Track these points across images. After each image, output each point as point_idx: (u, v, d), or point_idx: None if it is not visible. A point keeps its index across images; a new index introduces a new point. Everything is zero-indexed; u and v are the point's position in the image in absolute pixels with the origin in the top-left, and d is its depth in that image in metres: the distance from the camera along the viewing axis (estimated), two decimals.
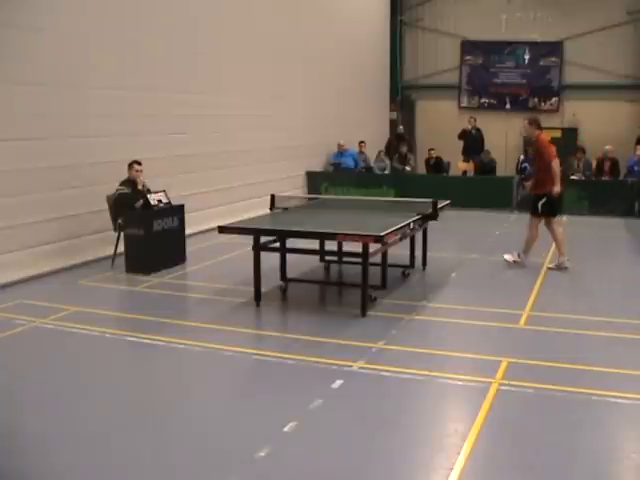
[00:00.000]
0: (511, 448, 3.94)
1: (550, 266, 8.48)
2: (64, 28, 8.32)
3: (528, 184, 8.69)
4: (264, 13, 12.83)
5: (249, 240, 6.96)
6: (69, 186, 8.50)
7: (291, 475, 3.65)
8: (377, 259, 6.86)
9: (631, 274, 8.36)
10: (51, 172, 8.22)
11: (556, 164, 8.29)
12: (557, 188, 8.26)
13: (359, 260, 6.49)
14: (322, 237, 7.23)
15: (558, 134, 18.66)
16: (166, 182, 9.28)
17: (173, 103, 10.29)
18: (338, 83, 16.25)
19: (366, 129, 17.64)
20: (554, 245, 8.74)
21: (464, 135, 16.29)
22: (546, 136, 8.78)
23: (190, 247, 9.14)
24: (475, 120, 16.55)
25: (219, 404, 4.62)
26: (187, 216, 9.00)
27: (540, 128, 8.62)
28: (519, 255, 8.59)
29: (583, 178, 14.00)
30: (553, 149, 8.45)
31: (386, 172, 15.93)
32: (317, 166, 15.72)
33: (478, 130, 16.34)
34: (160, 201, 8.51)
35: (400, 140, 17.01)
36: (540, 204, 8.41)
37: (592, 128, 18.23)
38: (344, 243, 7.52)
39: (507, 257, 8.63)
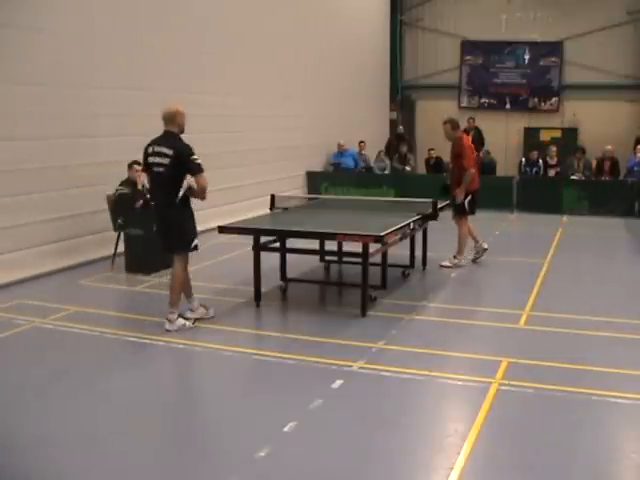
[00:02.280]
0: (511, 448, 3.94)
1: (443, 264, 8.45)
2: (64, 28, 8.32)
3: (459, 190, 8.42)
4: (266, 13, 12.82)
5: (249, 240, 6.96)
6: (69, 186, 8.50)
7: (291, 475, 3.65)
8: (377, 259, 6.86)
9: (631, 274, 8.36)
10: (51, 172, 8.22)
11: (472, 172, 8.40)
12: (462, 196, 8.39)
13: (359, 260, 6.49)
14: (322, 237, 7.23)
15: (558, 134, 18.70)
16: None
17: (174, 103, 10.26)
18: (338, 83, 16.25)
19: (366, 129, 17.64)
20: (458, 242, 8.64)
21: None
22: (467, 138, 8.86)
23: None
24: (474, 120, 16.56)
25: (219, 404, 4.62)
26: None
27: (459, 129, 8.75)
28: (455, 257, 8.52)
29: (583, 178, 13.99)
30: (474, 155, 8.65)
31: (386, 172, 15.93)
32: (317, 166, 15.72)
33: (477, 130, 16.33)
34: None
35: (400, 140, 17.01)
36: (467, 202, 8.51)
37: (592, 128, 18.22)
38: (344, 243, 7.52)
39: (445, 263, 8.50)
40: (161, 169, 5.87)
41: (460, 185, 8.43)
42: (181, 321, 6.02)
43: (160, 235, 6.12)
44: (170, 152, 5.82)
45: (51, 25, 8.14)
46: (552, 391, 4.65)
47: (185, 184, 5.93)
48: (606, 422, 4.24)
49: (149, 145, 6.00)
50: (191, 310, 6.26)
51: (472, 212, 8.64)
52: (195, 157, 5.84)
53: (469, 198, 8.50)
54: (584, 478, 3.63)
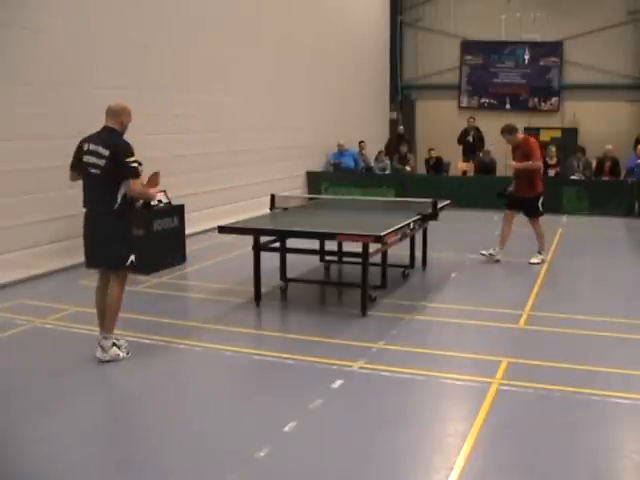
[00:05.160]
0: (511, 448, 3.94)
1: (532, 261, 8.65)
2: (65, 28, 8.32)
3: (516, 164, 8.77)
4: (265, 13, 12.83)
5: (249, 240, 6.96)
6: (69, 186, 8.45)
7: (291, 475, 3.65)
8: (377, 259, 6.86)
9: (631, 274, 8.36)
10: (51, 172, 8.20)
11: (538, 165, 8.75)
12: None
13: (359, 260, 6.49)
14: (322, 237, 7.23)
15: (558, 134, 18.70)
16: (166, 182, 9.24)
17: (174, 103, 10.28)
18: (338, 83, 16.25)
19: (366, 129, 17.64)
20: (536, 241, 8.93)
21: (463, 139, 16.28)
22: (530, 137, 9.06)
23: (190, 247, 9.13)
24: (474, 120, 16.56)
25: (219, 404, 4.62)
26: (187, 216, 8.99)
27: (517, 131, 8.93)
28: (539, 253, 8.78)
29: (583, 178, 13.99)
30: (540, 152, 8.87)
31: (386, 172, 15.93)
32: (317, 166, 15.72)
33: (477, 130, 16.34)
34: (160, 201, 8.51)
35: (400, 140, 17.01)
36: (540, 204, 8.76)
37: (592, 128, 18.23)
38: (344, 243, 7.52)
39: (533, 260, 8.67)
40: (96, 171, 5.15)
41: (535, 185, 8.66)
42: (115, 350, 5.29)
43: (89, 247, 5.41)
44: (106, 152, 5.13)
45: (52, 25, 8.14)
46: (552, 391, 4.65)
47: (122, 190, 5.18)
48: (606, 422, 4.24)
49: (84, 141, 5.32)
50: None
51: (542, 213, 8.92)
52: (132, 159, 5.11)
53: (542, 200, 8.76)
54: (584, 478, 3.62)
